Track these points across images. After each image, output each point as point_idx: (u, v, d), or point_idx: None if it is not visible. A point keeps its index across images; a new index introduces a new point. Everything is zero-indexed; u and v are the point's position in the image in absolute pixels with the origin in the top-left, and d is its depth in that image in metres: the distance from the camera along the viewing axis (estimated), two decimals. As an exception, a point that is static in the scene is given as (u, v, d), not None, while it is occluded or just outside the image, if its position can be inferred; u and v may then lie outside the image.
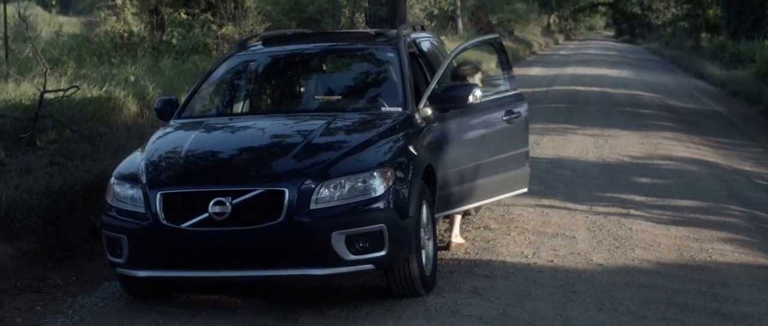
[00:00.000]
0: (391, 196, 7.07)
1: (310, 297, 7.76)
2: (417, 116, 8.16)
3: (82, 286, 8.28)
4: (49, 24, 30.87)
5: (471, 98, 8.45)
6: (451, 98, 8.46)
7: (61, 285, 8.25)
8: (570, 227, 9.89)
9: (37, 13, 37.85)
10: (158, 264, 7.12)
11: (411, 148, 7.61)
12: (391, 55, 8.85)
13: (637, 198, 11.42)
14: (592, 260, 8.61)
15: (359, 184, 7.02)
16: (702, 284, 7.95)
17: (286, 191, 6.84)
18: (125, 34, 21.56)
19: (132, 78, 15.37)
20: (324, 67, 9.43)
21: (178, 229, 6.92)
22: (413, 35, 9.79)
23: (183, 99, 9.01)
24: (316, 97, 9.08)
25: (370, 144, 7.45)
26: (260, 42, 9.69)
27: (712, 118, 21.32)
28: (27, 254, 8.55)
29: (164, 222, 6.96)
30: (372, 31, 10.08)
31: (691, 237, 9.53)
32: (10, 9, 19.87)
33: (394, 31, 9.46)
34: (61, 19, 36.61)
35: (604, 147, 15.62)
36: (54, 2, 24.49)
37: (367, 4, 22.25)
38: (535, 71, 36.95)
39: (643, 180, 12.70)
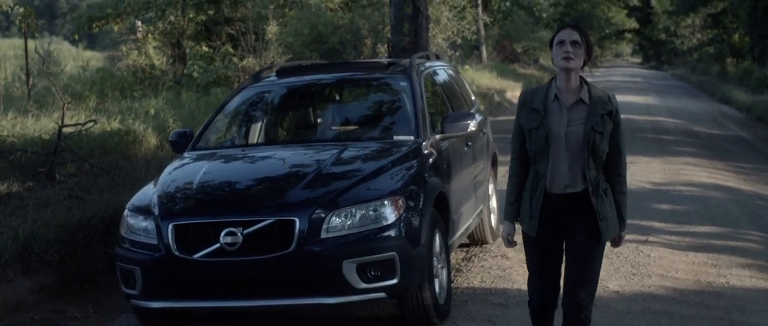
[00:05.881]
0: (402, 224, 7.07)
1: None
2: (429, 144, 8.18)
3: (100, 319, 8.33)
4: (75, 59, 31.14)
5: (472, 125, 8.52)
6: (457, 126, 8.48)
7: (79, 317, 8.30)
8: (587, 254, 9.84)
9: (64, 48, 38.24)
10: (171, 295, 7.15)
11: (423, 176, 7.63)
12: (403, 84, 8.88)
13: (657, 224, 11.37)
14: (608, 287, 8.57)
15: (370, 212, 7.03)
16: (718, 310, 7.89)
17: (297, 220, 6.86)
18: (147, 68, 21.70)
19: (152, 111, 15.45)
20: (336, 97, 9.48)
21: (190, 260, 6.95)
22: (427, 64, 9.82)
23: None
24: (328, 127, 9.13)
25: (382, 172, 7.47)
26: (274, 73, 9.75)
27: (735, 143, 21.22)
28: (45, 287, 8.59)
29: (176, 253, 6.99)
30: (385, 60, 10.09)
31: (709, 263, 9.48)
32: (35, 44, 20.08)
33: (407, 61, 9.48)
34: (88, 54, 36.91)
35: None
36: (77, 37, 24.66)
37: (389, 35, 22.26)
38: (560, 99, 36.83)
39: (664, 206, 12.65)
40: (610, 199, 5.71)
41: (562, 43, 5.62)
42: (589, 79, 5.77)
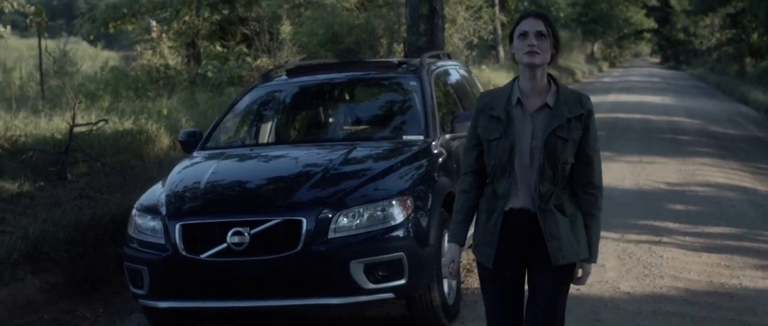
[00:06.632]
0: (410, 224, 7.03)
1: (333, 326, 7.77)
2: (439, 144, 8.13)
3: (110, 318, 8.32)
4: (93, 59, 31.23)
5: None
6: (467, 126, 8.41)
7: (89, 317, 8.29)
8: (599, 255, 9.70)
9: (83, 48, 38.38)
10: (178, 294, 7.13)
11: (432, 176, 7.58)
12: (413, 83, 8.85)
13: (671, 225, 11.30)
14: (619, 288, 8.51)
15: (378, 212, 6.99)
16: (730, 311, 7.82)
17: (304, 220, 6.83)
18: (161, 68, 21.72)
19: (165, 111, 15.47)
20: (345, 97, 9.46)
21: (197, 260, 6.92)
22: (439, 63, 9.77)
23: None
24: (338, 126, 9.11)
25: (390, 172, 7.43)
26: (284, 73, 9.73)
27: (752, 144, 21.10)
28: (55, 287, 8.59)
29: (183, 253, 6.96)
30: (396, 60, 10.06)
31: (723, 264, 9.40)
32: (52, 45, 20.15)
33: (417, 60, 9.44)
34: (106, 54, 37.03)
35: (641, 174, 15.48)
36: (92, 37, 24.73)
37: (405, 35, 22.23)
38: (577, 99, 36.72)
39: (678, 207, 12.57)
40: (574, 220, 4.72)
41: (524, 35, 4.66)
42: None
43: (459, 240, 4.87)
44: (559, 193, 4.68)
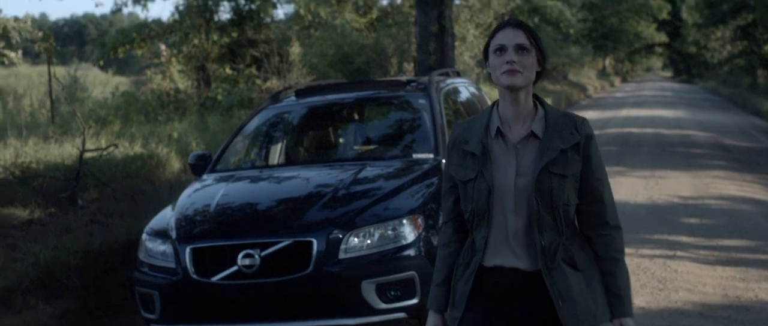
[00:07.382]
0: (422, 243, 6.98)
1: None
2: (449, 162, 8.08)
3: (121, 344, 8.30)
4: (105, 84, 31.35)
5: None
6: None
7: (101, 343, 8.27)
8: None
9: (94, 74, 38.55)
10: (190, 318, 7.08)
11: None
12: (422, 101, 8.82)
13: (685, 239, 11.22)
14: (634, 303, 8.43)
15: (389, 232, 6.94)
16: (746, 325, 7.75)
17: (314, 241, 6.79)
18: (171, 92, 21.75)
19: (175, 134, 15.46)
20: (354, 116, 9.43)
21: (208, 283, 6.89)
22: (448, 81, 9.74)
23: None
24: (347, 146, 9.08)
25: (400, 191, 7.39)
26: (293, 93, 9.71)
27: (766, 156, 20.99)
28: (67, 313, 8.56)
29: (194, 276, 6.93)
30: (404, 78, 10.03)
31: (738, 277, 9.32)
32: (61, 71, 20.19)
33: (425, 78, 9.42)
34: (117, 79, 37.19)
35: (654, 188, 15.41)
36: (102, 63, 24.79)
37: (415, 53, 22.23)
38: (589, 114, 36.65)
39: (692, 220, 12.49)
40: (590, 274, 3.78)
41: (501, 49, 3.70)
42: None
43: (439, 307, 3.98)
44: (566, 244, 3.74)
